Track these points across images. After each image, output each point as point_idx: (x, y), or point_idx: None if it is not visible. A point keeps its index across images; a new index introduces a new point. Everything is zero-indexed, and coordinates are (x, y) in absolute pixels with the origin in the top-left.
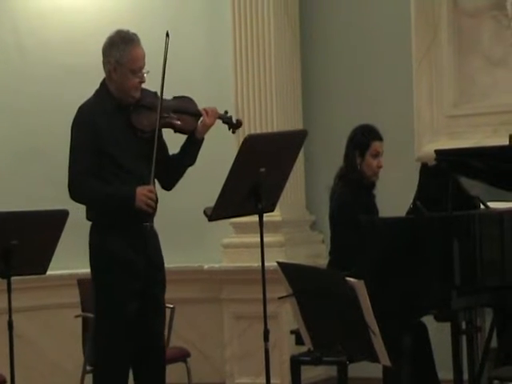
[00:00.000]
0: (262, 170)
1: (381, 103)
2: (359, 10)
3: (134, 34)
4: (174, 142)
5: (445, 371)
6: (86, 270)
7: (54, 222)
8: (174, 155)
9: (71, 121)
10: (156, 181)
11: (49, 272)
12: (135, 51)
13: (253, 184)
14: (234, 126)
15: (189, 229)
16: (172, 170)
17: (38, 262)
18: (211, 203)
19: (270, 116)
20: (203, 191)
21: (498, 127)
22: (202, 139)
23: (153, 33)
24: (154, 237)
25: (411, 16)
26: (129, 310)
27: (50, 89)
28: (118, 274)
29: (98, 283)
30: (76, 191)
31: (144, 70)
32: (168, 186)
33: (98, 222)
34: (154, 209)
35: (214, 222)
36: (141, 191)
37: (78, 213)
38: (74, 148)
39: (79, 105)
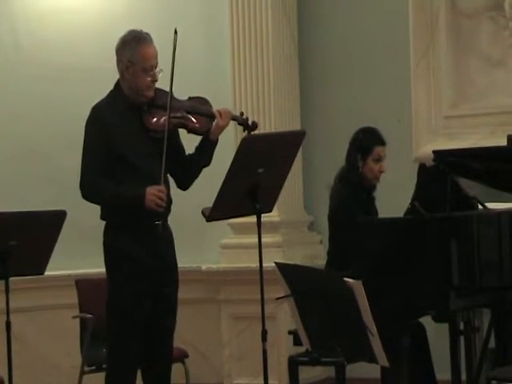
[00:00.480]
0: (260, 170)
1: (379, 103)
2: (358, 11)
3: (147, 34)
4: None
5: (443, 372)
6: (83, 270)
7: (52, 222)
8: (189, 155)
9: (69, 121)
10: (171, 181)
11: (47, 273)
12: (147, 50)
13: (251, 184)
14: (250, 127)
15: (187, 229)
16: (187, 171)
17: (36, 263)
18: (209, 204)
19: (268, 117)
20: (201, 191)
21: (496, 128)
22: (217, 140)
23: (151, 34)
24: (167, 236)
25: (409, 17)
26: (140, 309)
27: (48, 89)
28: (129, 273)
29: (110, 282)
30: (87, 191)
31: (157, 69)
32: (183, 185)
33: (111, 222)
34: (166, 208)
35: (212, 223)
36: (150, 191)
37: (75, 214)
38: (86, 148)
39: (77, 105)
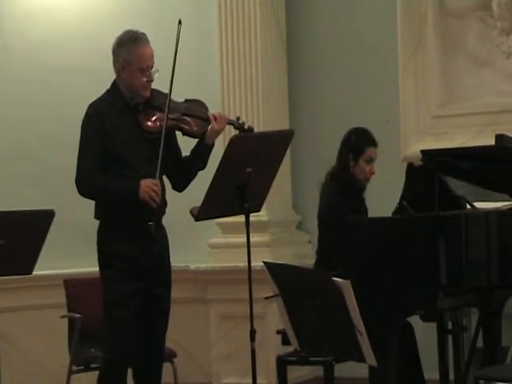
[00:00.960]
0: (249, 170)
1: (367, 103)
2: (345, 11)
3: (143, 34)
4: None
5: (431, 371)
6: (71, 270)
7: (40, 222)
8: (185, 158)
9: (57, 120)
10: (167, 183)
11: (35, 272)
12: (143, 50)
13: (239, 184)
14: (246, 132)
15: (175, 229)
16: (183, 173)
17: (24, 262)
18: (197, 203)
19: (257, 116)
20: (190, 191)
21: (483, 128)
22: (212, 144)
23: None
24: (161, 237)
25: (397, 17)
26: (130, 307)
27: (36, 89)
28: (123, 272)
29: (104, 281)
30: (83, 187)
31: (153, 69)
32: (179, 187)
33: (105, 221)
34: (160, 209)
35: (200, 222)
36: (145, 183)
37: (65, 213)
38: (81, 146)
39: (66, 105)
